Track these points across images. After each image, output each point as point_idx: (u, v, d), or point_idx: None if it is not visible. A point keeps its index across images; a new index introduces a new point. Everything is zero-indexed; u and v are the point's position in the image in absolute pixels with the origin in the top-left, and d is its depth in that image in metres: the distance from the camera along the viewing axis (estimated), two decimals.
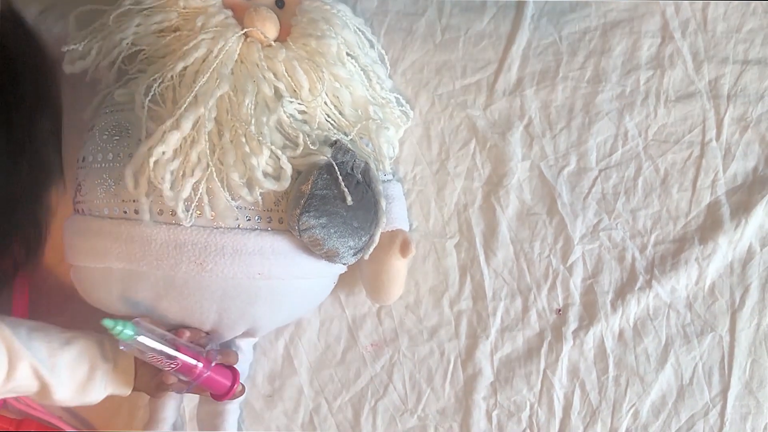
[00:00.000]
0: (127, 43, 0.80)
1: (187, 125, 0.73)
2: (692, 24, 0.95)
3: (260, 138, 0.73)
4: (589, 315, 0.90)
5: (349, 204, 0.76)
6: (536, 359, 0.90)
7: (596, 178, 0.92)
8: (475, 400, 0.89)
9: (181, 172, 0.73)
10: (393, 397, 0.89)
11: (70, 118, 0.88)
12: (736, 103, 0.93)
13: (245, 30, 0.78)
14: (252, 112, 0.75)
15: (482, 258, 0.91)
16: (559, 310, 0.91)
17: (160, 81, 0.76)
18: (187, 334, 0.76)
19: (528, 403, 0.89)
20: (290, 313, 0.84)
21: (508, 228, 0.91)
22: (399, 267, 0.84)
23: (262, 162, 0.74)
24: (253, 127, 0.74)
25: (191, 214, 0.73)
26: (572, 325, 0.90)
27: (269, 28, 0.79)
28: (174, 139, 0.72)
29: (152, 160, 0.72)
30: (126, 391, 0.77)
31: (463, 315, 0.90)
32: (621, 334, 0.90)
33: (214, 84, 0.74)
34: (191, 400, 0.88)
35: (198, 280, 0.75)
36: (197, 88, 0.74)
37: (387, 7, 0.93)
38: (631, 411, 0.89)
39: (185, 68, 0.76)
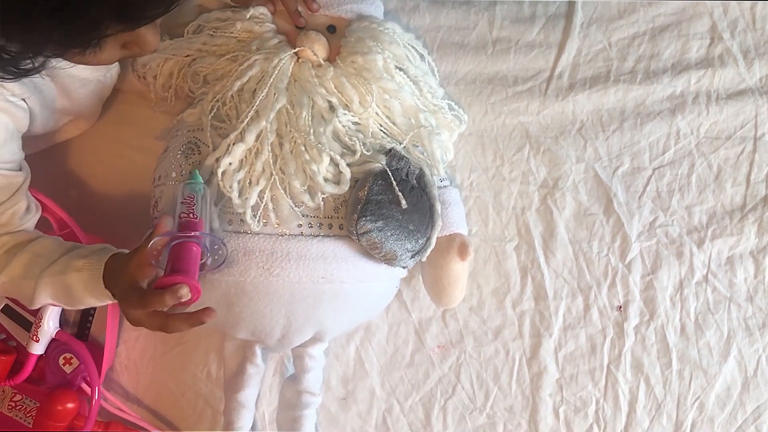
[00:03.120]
0: (191, 57, 0.87)
1: (250, 138, 0.78)
2: (741, 23, 0.97)
3: (319, 146, 0.78)
4: (650, 311, 0.93)
5: (404, 208, 0.79)
6: (600, 355, 0.92)
7: (650, 176, 0.95)
8: (541, 397, 0.92)
9: (248, 182, 0.78)
10: (461, 396, 0.93)
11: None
12: None
13: (296, 49, 0.83)
14: (309, 122, 0.80)
15: (542, 259, 0.94)
16: (620, 307, 0.93)
17: (221, 100, 0.82)
18: None
19: (594, 399, 0.92)
20: (354, 316, 0.88)
21: (566, 229, 0.94)
22: (459, 270, 0.87)
23: (322, 168, 0.78)
24: (312, 137, 0.79)
25: (258, 221, 0.78)
26: (633, 321, 0.93)
27: (319, 49, 0.84)
28: (239, 150, 0.78)
29: (220, 170, 0.77)
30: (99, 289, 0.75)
31: (525, 315, 0.93)
32: (683, 328, 0.92)
33: (273, 98, 0.80)
34: (270, 404, 0.92)
35: (266, 285, 0.79)
36: (257, 102, 0.80)
37: (439, 22, 0.97)
38: (696, 404, 0.91)
39: (242, 86, 0.82)
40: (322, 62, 0.84)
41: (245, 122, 0.79)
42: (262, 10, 0.87)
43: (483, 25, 0.97)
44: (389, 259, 0.81)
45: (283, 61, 0.82)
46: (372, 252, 0.80)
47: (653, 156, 0.95)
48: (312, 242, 0.79)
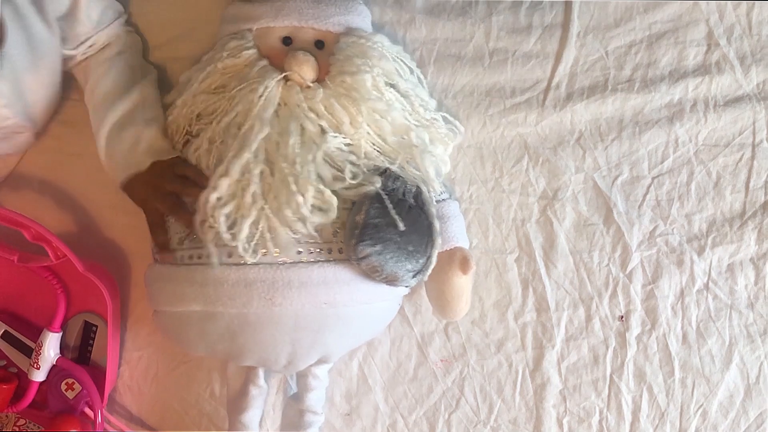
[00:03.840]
0: (184, 101, 0.85)
1: (235, 170, 0.76)
2: (737, 29, 0.96)
3: (304, 176, 0.77)
4: (652, 320, 0.93)
5: (401, 230, 0.79)
6: (602, 365, 0.93)
7: (650, 185, 0.95)
8: (545, 408, 0.92)
9: (240, 214, 0.76)
10: (465, 410, 0.93)
11: None
12: None
13: (284, 74, 0.81)
14: (297, 150, 0.78)
15: (543, 270, 0.94)
16: (622, 317, 0.93)
17: (213, 138, 0.81)
18: None
19: (597, 409, 0.92)
20: (359, 336, 0.88)
21: (567, 239, 0.94)
22: (462, 284, 0.87)
23: (308, 198, 0.76)
24: (298, 166, 0.77)
25: (255, 251, 0.76)
26: (635, 330, 0.93)
27: (307, 71, 0.82)
28: (225, 184, 0.76)
29: (209, 206, 0.76)
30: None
31: (528, 327, 0.94)
32: (684, 336, 0.93)
33: (258, 128, 0.78)
34: (273, 423, 0.93)
35: (269, 315, 0.78)
36: (240, 133, 0.79)
37: (435, 35, 0.96)
38: (700, 411, 0.91)
39: (230, 122, 0.80)
40: (311, 84, 0.82)
41: (231, 155, 0.77)
42: (237, 43, 0.84)
43: (479, 36, 0.96)
44: (391, 281, 0.80)
45: (269, 89, 0.80)
46: (372, 275, 0.80)
47: (652, 165, 0.95)
48: (313, 268, 0.78)
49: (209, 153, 0.81)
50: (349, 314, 0.82)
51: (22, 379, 0.88)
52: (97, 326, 0.90)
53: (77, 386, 0.87)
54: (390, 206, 0.79)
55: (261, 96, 0.80)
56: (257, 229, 0.77)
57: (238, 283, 0.77)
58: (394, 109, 0.85)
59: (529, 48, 0.96)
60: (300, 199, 0.76)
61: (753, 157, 0.95)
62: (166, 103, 0.88)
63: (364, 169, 0.82)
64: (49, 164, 0.95)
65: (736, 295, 0.93)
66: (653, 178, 0.95)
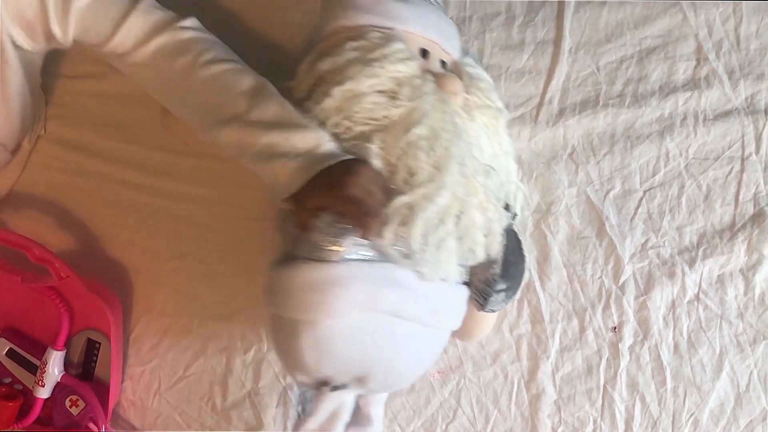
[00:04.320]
0: (345, 95, 0.77)
1: (445, 197, 0.74)
2: (726, 44, 0.98)
3: (493, 203, 0.78)
4: (644, 330, 0.95)
5: (523, 268, 0.83)
6: (596, 376, 0.94)
7: (641, 198, 0.96)
8: (540, 418, 0.94)
9: (441, 234, 0.74)
10: (462, 420, 0.95)
11: None
12: None
13: (453, 96, 0.79)
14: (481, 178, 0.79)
15: (537, 283, 0.96)
16: (615, 328, 0.95)
17: (389, 147, 0.76)
18: None
19: (591, 418, 0.94)
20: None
21: (560, 252, 0.96)
22: (490, 317, 0.89)
23: (497, 226, 0.79)
24: (492, 192, 0.78)
25: (436, 269, 0.75)
26: (628, 341, 0.95)
27: (460, 99, 0.81)
28: (441, 202, 0.74)
29: (415, 231, 0.72)
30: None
31: (523, 338, 0.95)
32: (676, 346, 0.94)
33: (456, 150, 0.76)
34: None
35: (423, 330, 0.77)
36: (439, 153, 0.75)
37: None
38: (691, 420, 0.93)
39: (419, 138, 0.76)
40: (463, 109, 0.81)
41: (441, 179, 0.74)
42: (399, 47, 0.78)
43: (473, 52, 0.97)
44: (488, 310, 0.84)
45: (450, 113, 0.78)
46: (485, 306, 0.82)
47: (644, 178, 0.97)
48: (459, 292, 0.80)
49: (389, 162, 0.75)
50: (447, 337, 0.84)
51: (27, 396, 0.89)
52: (100, 343, 0.92)
53: (81, 403, 0.88)
54: (523, 244, 0.82)
55: (449, 115, 0.77)
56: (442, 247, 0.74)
57: (417, 292, 0.74)
58: (511, 149, 0.87)
59: (521, 64, 0.98)
60: (496, 225, 0.78)
61: (742, 170, 0.97)
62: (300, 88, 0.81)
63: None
64: (50, 183, 0.97)
65: (726, 306, 0.95)
66: (645, 192, 0.96)
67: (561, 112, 0.97)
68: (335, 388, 0.77)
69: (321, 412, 0.78)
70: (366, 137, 0.75)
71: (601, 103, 0.97)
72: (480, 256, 0.79)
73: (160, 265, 0.96)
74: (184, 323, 0.95)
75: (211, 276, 0.95)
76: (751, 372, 0.94)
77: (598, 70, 0.98)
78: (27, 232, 0.90)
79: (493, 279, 0.80)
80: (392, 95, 0.77)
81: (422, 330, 0.78)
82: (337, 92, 0.76)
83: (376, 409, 0.87)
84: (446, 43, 0.84)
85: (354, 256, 0.72)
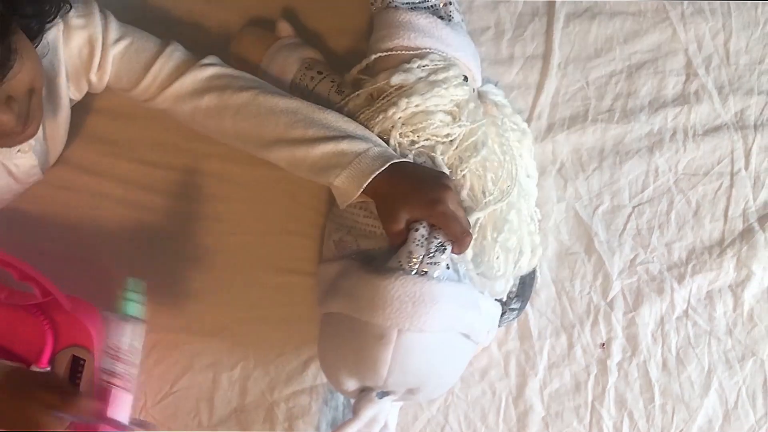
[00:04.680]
0: (401, 118, 0.82)
1: (513, 217, 0.83)
2: (715, 59, 0.98)
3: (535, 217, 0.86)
4: (632, 347, 0.94)
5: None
6: (584, 392, 0.94)
7: (630, 214, 0.96)
8: None
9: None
10: None
11: None
12: (763, 132, 0.97)
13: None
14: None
15: None
16: (603, 344, 0.95)
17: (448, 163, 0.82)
18: None
19: None
20: None
21: (549, 268, 0.96)
22: None
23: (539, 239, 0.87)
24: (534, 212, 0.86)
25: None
26: (616, 357, 0.94)
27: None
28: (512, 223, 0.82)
29: (497, 251, 0.81)
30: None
31: (511, 355, 0.95)
32: (665, 363, 0.94)
33: (516, 171, 0.84)
34: None
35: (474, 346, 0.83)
36: (504, 175, 0.83)
37: None
38: None
39: (484, 158, 0.82)
40: None
41: (507, 198, 0.81)
42: (455, 73, 0.84)
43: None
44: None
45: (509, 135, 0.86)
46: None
47: (633, 194, 0.96)
48: (483, 298, 0.82)
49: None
50: None
51: None
52: (85, 360, 0.91)
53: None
54: (537, 268, 0.88)
55: (503, 140, 0.84)
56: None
57: (485, 314, 0.81)
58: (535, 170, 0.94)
59: (511, 79, 0.98)
60: (537, 239, 0.85)
61: (732, 186, 0.97)
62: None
63: None
64: (35, 197, 0.96)
65: (715, 322, 0.95)
66: (634, 208, 0.96)
67: (550, 128, 0.97)
68: (384, 394, 0.79)
69: (362, 418, 0.78)
70: (430, 150, 0.80)
71: (590, 119, 0.97)
72: (521, 274, 0.85)
73: (145, 280, 0.95)
74: (171, 339, 0.94)
75: (197, 292, 0.95)
76: (740, 389, 0.94)
77: (587, 85, 0.98)
78: (10, 246, 0.89)
79: (509, 297, 0.84)
80: (453, 116, 0.82)
81: (474, 346, 0.83)
82: (404, 104, 0.81)
83: (393, 415, 0.87)
84: (477, 72, 0.90)
85: (445, 274, 0.75)
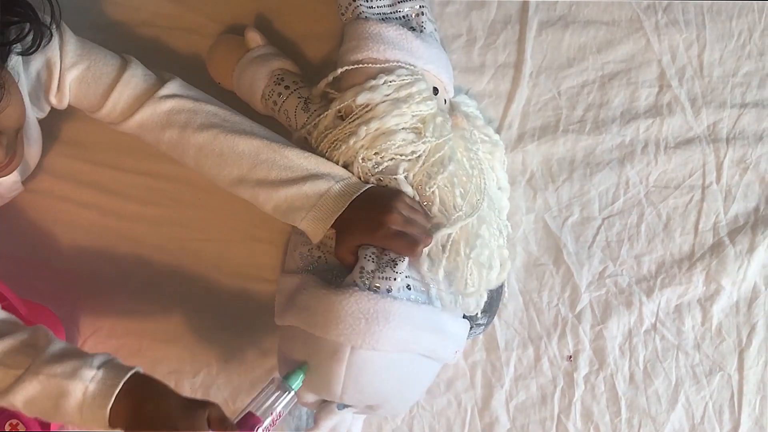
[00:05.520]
0: (363, 146, 0.81)
1: (484, 231, 0.81)
2: (689, 71, 0.97)
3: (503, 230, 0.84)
4: (599, 360, 0.94)
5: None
6: (550, 405, 0.93)
7: (600, 226, 0.95)
8: None
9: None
10: None
11: None
12: (735, 145, 0.96)
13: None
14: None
15: None
16: (570, 357, 0.94)
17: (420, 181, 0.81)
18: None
19: None
20: None
21: (517, 279, 0.95)
22: None
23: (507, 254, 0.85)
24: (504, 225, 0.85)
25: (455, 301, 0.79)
26: (583, 370, 0.94)
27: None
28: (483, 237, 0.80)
29: (469, 266, 0.78)
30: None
31: (477, 366, 0.94)
32: (632, 376, 0.93)
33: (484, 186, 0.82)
34: None
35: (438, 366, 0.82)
36: (472, 188, 0.81)
37: None
38: None
39: (451, 173, 0.81)
40: None
41: (475, 212, 0.79)
42: (423, 86, 0.82)
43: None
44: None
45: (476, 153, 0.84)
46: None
47: (603, 206, 0.96)
48: (452, 319, 0.80)
49: (422, 194, 0.80)
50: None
51: None
52: None
53: (22, 426, 0.87)
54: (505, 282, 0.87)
55: (470, 154, 0.83)
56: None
57: (453, 335, 0.79)
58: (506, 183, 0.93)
59: (482, 87, 0.97)
60: (506, 252, 0.84)
61: (703, 199, 0.96)
62: (309, 134, 0.85)
63: None
64: None
65: (683, 336, 0.94)
66: (603, 219, 0.95)
67: (520, 137, 0.96)
68: (344, 406, 0.79)
69: (322, 428, 0.79)
70: (394, 170, 0.80)
71: (561, 129, 0.96)
72: (490, 288, 0.83)
73: (108, 286, 0.94)
74: (133, 345, 0.93)
75: (161, 298, 0.94)
76: (707, 404, 0.93)
77: (559, 94, 0.97)
78: None
79: (476, 314, 0.83)
80: (417, 132, 0.81)
81: (437, 365, 0.82)
82: (364, 132, 0.80)
83: (357, 426, 0.87)
84: (449, 83, 0.89)
85: (404, 295, 0.75)
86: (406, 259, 0.75)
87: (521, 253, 0.95)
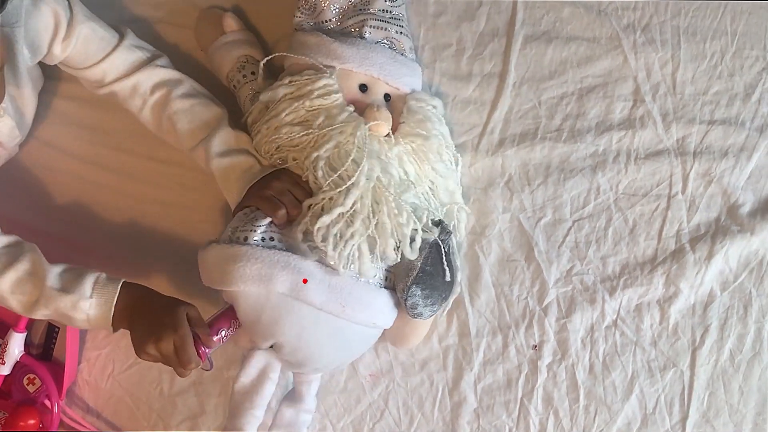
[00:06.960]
0: (268, 129, 0.93)
1: (349, 201, 0.87)
2: (662, 87, 1.04)
3: (408, 210, 0.88)
4: (562, 350, 1.01)
5: (447, 280, 0.91)
6: (515, 389, 1.01)
7: (570, 228, 1.03)
8: (460, 424, 1.01)
9: (346, 235, 0.86)
10: (388, 421, 1.02)
11: None
12: (701, 159, 1.03)
13: (370, 124, 0.90)
14: (396, 191, 0.89)
15: (467, 300, 1.02)
16: (536, 346, 1.02)
17: (302, 168, 0.92)
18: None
19: (507, 428, 1.01)
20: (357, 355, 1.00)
21: (490, 273, 1.03)
22: (425, 324, 0.99)
23: (409, 231, 0.88)
24: (406, 205, 0.88)
25: (346, 265, 0.87)
26: (547, 359, 1.01)
27: (386, 127, 0.92)
28: (337, 212, 0.87)
29: (316, 227, 0.86)
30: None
31: (450, 349, 1.02)
32: (591, 367, 1.01)
33: (365, 167, 0.88)
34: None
35: (335, 320, 0.89)
36: (342, 171, 0.88)
37: None
38: None
39: (317, 157, 0.89)
40: (383, 138, 0.92)
41: (345, 187, 0.87)
42: (325, 82, 0.92)
43: (423, 80, 1.04)
44: (416, 316, 0.92)
45: (361, 137, 0.89)
46: (408, 311, 0.91)
47: (574, 209, 1.03)
48: (378, 292, 0.90)
49: (302, 175, 0.92)
50: (373, 335, 0.95)
51: None
52: (59, 327, 1.00)
53: (38, 381, 0.97)
54: (444, 257, 0.90)
55: (355, 140, 0.89)
56: (356, 248, 0.87)
57: (323, 282, 0.87)
58: (451, 171, 0.97)
59: (468, 94, 1.04)
60: (406, 230, 0.88)
61: (668, 208, 1.03)
62: (247, 123, 0.97)
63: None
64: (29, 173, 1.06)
65: (641, 333, 1.01)
66: (574, 222, 1.03)
67: (501, 142, 1.03)
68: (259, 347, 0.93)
69: (250, 368, 0.93)
70: (285, 158, 0.93)
71: (539, 136, 1.03)
72: (391, 259, 0.88)
73: (119, 255, 1.04)
74: None
75: (165, 271, 1.03)
76: (659, 396, 1.00)
77: (539, 104, 1.04)
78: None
79: (407, 286, 0.89)
80: (307, 125, 0.91)
81: (333, 320, 0.89)
82: (264, 128, 0.94)
83: (308, 387, 0.98)
84: (391, 79, 0.95)
85: (261, 243, 0.87)
86: (268, 218, 0.88)
87: (496, 248, 1.03)
